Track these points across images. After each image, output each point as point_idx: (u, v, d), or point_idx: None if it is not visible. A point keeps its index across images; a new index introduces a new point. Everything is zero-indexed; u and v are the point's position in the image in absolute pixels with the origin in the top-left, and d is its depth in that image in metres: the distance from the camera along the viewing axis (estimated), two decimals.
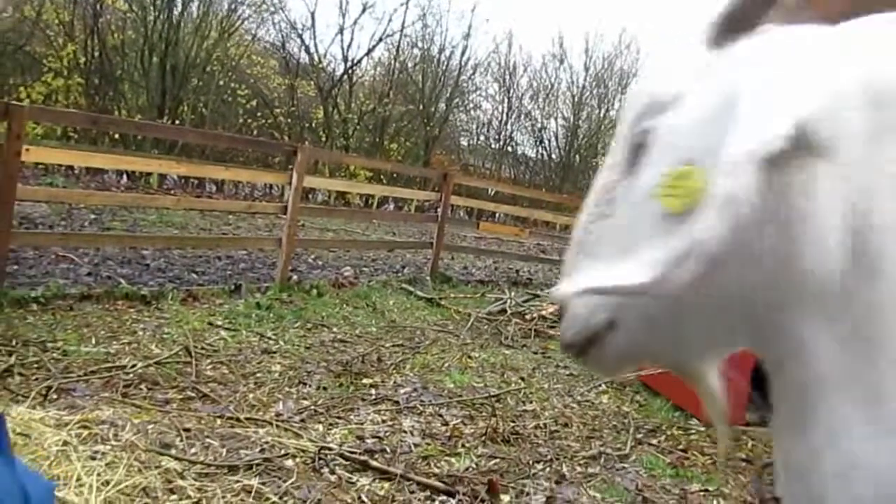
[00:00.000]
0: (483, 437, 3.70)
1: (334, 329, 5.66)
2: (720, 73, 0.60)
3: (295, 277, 7.25)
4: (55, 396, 3.34)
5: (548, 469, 3.43)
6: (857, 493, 0.47)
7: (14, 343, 3.98)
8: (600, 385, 4.98)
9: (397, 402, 4.10)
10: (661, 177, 0.60)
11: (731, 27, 0.60)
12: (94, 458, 2.64)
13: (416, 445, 3.50)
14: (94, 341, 4.27)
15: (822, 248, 0.54)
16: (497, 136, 21.75)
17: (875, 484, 0.45)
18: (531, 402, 4.44)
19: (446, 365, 5.02)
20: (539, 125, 21.53)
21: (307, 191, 14.38)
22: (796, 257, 0.55)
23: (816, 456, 0.50)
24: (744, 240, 0.55)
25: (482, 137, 22.50)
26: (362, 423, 3.70)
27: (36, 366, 3.72)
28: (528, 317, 6.71)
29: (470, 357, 5.33)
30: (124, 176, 13.31)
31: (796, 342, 0.54)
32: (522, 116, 21.60)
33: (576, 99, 21.04)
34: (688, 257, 0.52)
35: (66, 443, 2.65)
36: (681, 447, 3.97)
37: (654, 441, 4.03)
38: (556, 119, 21.58)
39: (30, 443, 2.59)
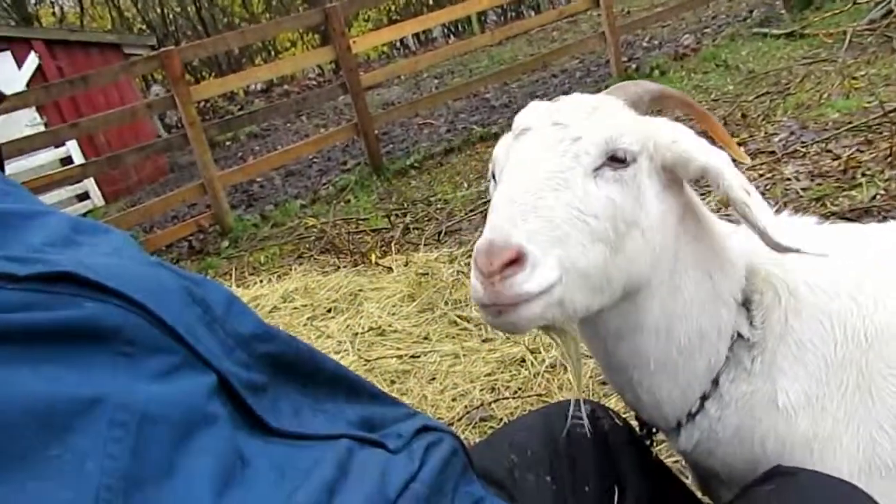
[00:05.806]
0: (888, 159, 3.11)
1: None
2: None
3: (633, 66, 6.87)
4: (446, 238, 3.77)
5: None
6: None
7: (405, 205, 4.59)
8: None
9: (773, 152, 3.68)
10: None
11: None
12: None
13: (804, 189, 3.12)
14: (465, 186, 4.69)
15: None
16: None
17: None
18: None
19: (825, 96, 4.30)
20: None
21: None
22: None
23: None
24: None
25: None
26: None
27: (426, 218, 4.25)
28: None
29: (854, 78, 4.47)
30: (451, 36, 13.98)
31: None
32: None
33: None
34: None
35: (459, 272, 2.99)
36: None
37: None
38: None
39: (430, 279, 2.99)
